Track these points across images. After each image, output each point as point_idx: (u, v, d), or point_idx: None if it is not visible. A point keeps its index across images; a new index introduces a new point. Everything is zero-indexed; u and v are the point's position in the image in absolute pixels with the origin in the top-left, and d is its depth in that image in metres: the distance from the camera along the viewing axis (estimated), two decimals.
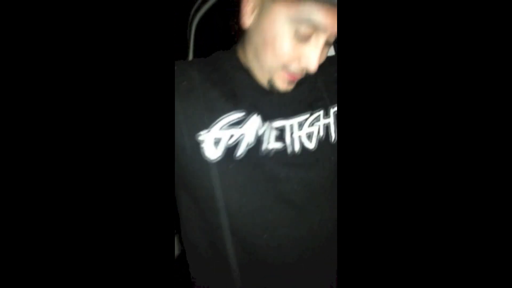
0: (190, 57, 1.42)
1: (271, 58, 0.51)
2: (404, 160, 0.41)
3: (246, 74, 0.56)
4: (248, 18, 0.52)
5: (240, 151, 0.53)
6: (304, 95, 0.59)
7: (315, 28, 0.48)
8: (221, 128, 0.52)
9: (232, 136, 0.53)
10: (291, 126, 0.57)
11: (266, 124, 0.55)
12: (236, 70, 0.57)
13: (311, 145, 0.58)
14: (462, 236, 0.39)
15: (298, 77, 0.53)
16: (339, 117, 0.43)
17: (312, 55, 0.50)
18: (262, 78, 0.55)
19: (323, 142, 0.59)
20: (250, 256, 0.57)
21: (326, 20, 0.47)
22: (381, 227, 0.42)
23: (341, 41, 0.42)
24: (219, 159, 0.52)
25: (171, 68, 0.50)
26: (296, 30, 0.48)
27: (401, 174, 0.41)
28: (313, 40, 0.49)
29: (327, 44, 0.51)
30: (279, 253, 0.57)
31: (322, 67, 0.54)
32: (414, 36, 0.40)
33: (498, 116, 0.39)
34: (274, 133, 0.56)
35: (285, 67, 0.51)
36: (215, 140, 0.52)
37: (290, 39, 0.49)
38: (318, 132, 0.59)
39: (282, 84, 0.54)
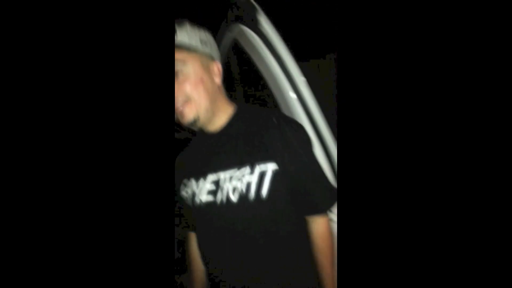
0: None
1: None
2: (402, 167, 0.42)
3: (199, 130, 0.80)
4: None
5: (189, 202, 0.79)
6: (238, 149, 0.73)
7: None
8: (183, 187, 0.82)
9: (188, 191, 0.81)
10: (225, 179, 0.73)
11: (201, 181, 0.77)
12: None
13: (234, 198, 0.71)
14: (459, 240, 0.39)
15: (181, 110, 0.72)
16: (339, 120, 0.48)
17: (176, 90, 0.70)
18: None
19: (243, 198, 0.70)
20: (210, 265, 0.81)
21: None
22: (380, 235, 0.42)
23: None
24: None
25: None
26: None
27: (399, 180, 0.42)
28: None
29: (183, 77, 0.70)
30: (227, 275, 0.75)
31: (262, 125, 0.72)
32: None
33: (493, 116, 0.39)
34: (207, 187, 0.75)
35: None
36: (183, 192, 0.82)
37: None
38: (241, 188, 0.70)
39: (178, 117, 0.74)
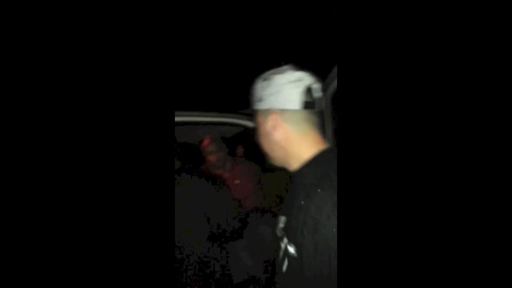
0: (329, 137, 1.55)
1: None
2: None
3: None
4: None
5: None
6: (283, 211, 0.79)
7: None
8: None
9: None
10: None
11: (279, 218, 0.81)
12: None
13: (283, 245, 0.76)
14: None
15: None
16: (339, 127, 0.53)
17: None
18: None
19: (280, 255, 0.75)
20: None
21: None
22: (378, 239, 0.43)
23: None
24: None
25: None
26: None
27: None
28: None
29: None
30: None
31: (299, 195, 0.69)
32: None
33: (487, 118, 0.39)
34: (281, 225, 0.78)
35: None
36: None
37: None
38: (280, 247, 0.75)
39: None
